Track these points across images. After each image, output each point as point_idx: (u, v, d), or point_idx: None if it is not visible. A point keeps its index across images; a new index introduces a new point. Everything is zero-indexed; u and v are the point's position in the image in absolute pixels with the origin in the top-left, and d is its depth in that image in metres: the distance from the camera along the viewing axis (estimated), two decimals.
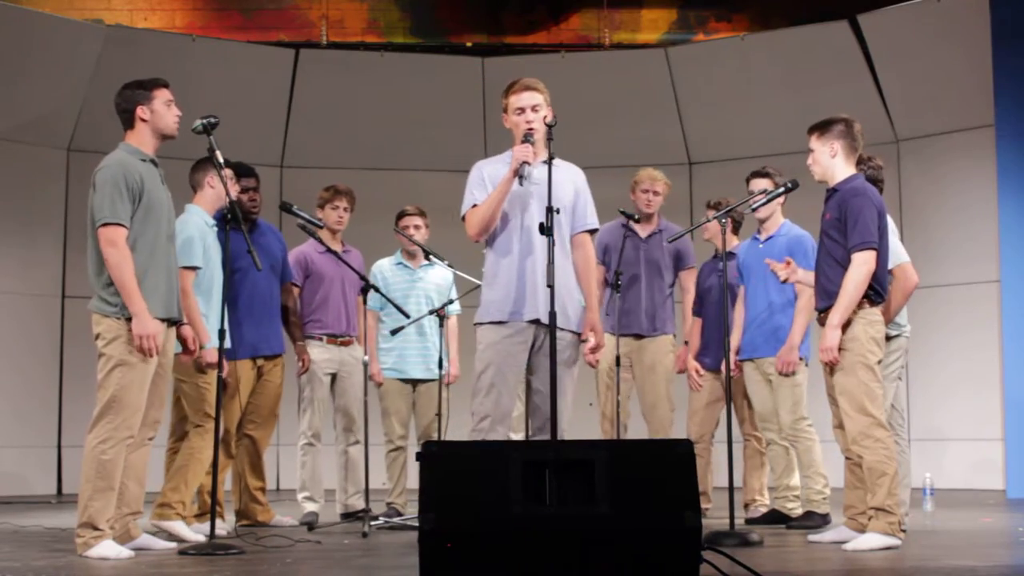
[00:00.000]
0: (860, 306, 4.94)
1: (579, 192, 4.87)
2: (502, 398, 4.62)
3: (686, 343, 6.80)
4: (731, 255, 6.52)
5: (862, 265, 4.91)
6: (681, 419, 6.79)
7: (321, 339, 6.56)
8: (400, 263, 6.77)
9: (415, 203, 6.95)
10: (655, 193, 6.73)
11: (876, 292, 4.98)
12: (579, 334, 4.76)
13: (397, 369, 6.65)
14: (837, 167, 5.10)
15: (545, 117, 4.74)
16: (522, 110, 4.80)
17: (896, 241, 5.42)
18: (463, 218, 4.83)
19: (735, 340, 6.29)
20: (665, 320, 6.70)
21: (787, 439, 6.17)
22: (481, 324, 4.76)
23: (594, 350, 4.75)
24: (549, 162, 4.58)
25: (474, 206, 4.78)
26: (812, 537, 5.32)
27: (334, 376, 6.58)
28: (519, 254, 4.71)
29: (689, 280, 6.78)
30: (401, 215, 6.81)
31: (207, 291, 5.62)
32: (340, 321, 6.58)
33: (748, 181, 6.37)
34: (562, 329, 4.63)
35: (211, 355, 5.40)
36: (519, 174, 4.64)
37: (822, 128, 5.13)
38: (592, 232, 4.92)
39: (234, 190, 5.62)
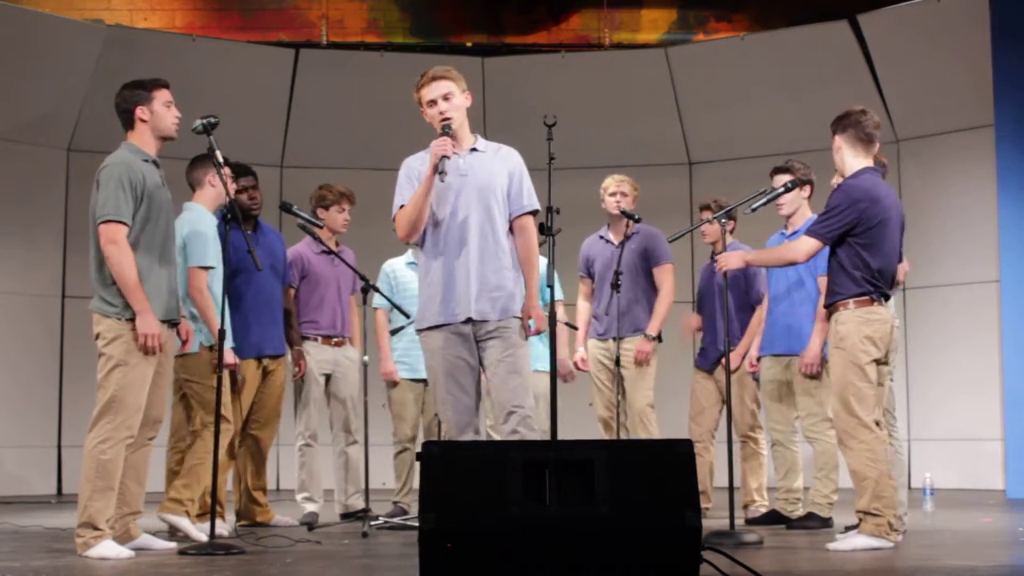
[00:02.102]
0: (858, 304, 4.92)
1: (513, 175, 4.66)
2: (459, 405, 4.50)
3: (647, 337, 6.74)
4: None
5: (800, 244, 5.07)
6: (682, 420, 6.80)
7: (316, 339, 6.56)
8: (411, 263, 6.78)
9: None
10: (623, 195, 6.73)
11: (875, 289, 4.95)
12: (519, 317, 4.56)
13: (410, 368, 6.65)
14: (847, 161, 5.09)
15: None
16: (433, 102, 4.65)
17: None
18: (393, 220, 4.68)
19: (755, 338, 6.35)
20: (639, 320, 6.70)
21: (806, 439, 6.15)
22: (421, 331, 4.62)
23: (530, 332, 4.55)
24: (548, 161, 4.44)
25: (402, 207, 4.63)
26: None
27: (328, 376, 6.58)
28: (450, 251, 4.55)
29: (662, 276, 6.75)
30: None
31: (216, 290, 5.61)
32: (335, 322, 6.59)
33: (772, 176, 6.33)
34: (489, 320, 4.50)
35: (229, 356, 5.49)
36: (439, 170, 4.46)
37: (834, 123, 5.13)
38: (533, 214, 4.66)
39: (233, 188, 5.63)
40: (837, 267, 4.99)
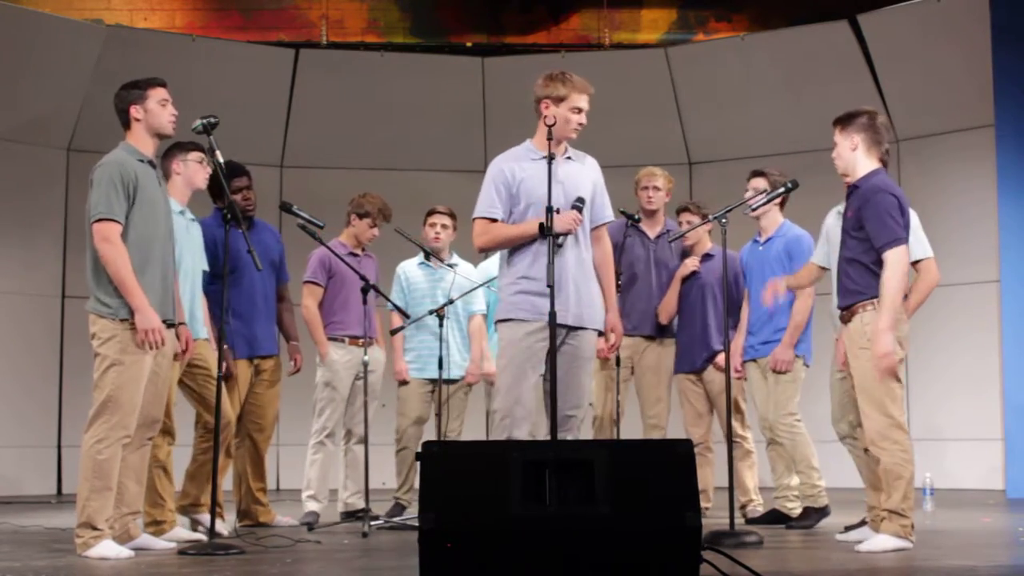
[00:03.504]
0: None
1: (596, 186, 4.84)
2: (523, 396, 4.58)
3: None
4: (709, 256, 6.57)
5: (897, 263, 4.76)
6: (675, 424, 6.79)
7: (343, 340, 6.55)
8: (423, 263, 6.78)
9: (414, 203, 6.98)
10: (655, 188, 6.71)
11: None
12: (601, 332, 4.74)
13: (420, 368, 6.67)
14: (859, 161, 5.00)
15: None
16: (580, 110, 4.86)
17: (922, 236, 5.40)
18: (474, 220, 4.74)
19: (740, 342, 6.30)
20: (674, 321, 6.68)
21: (778, 435, 6.16)
22: (503, 321, 4.71)
23: (612, 348, 4.81)
24: (548, 161, 4.51)
25: (491, 220, 4.70)
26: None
27: (356, 376, 6.57)
28: (542, 252, 4.58)
29: None
30: (430, 213, 6.84)
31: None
32: (361, 323, 6.56)
33: (749, 180, 6.36)
34: (585, 328, 4.64)
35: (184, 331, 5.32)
36: (558, 242, 4.52)
37: (844, 121, 5.03)
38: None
39: (202, 174, 5.67)
40: (859, 266, 4.85)
